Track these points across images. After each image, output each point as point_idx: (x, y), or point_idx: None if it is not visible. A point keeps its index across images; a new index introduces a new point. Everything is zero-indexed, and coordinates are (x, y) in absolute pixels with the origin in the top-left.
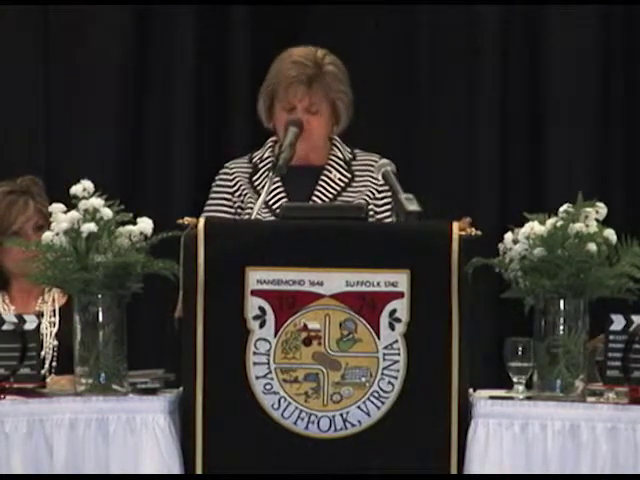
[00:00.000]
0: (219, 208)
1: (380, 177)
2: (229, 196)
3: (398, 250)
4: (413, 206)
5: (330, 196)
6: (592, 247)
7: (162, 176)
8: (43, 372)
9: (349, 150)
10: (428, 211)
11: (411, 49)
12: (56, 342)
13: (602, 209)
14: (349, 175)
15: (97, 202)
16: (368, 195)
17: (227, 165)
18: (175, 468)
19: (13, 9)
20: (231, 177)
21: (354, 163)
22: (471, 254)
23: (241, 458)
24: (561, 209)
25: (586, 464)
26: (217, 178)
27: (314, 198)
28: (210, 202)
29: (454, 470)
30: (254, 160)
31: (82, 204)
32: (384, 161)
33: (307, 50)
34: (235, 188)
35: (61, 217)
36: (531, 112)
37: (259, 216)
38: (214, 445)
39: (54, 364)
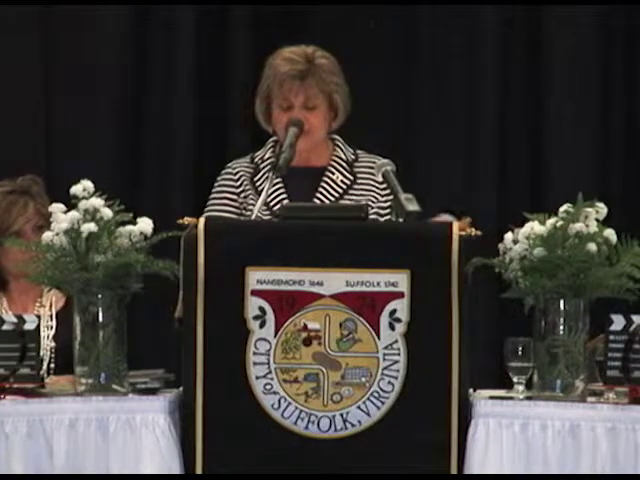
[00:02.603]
0: (224, 208)
1: (380, 177)
2: (235, 196)
3: (398, 250)
4: (413, 206)
5: (332, 198)
6: (592, 247)
7: (162, 176)
8: (41, 373)
9: (352, 151)
10: (428, 211)
11: (411, 49)
12: (53, 344)
13: (602, 209)
14: (351, 177)
15: (97, 202)
16: (371, 199)
17: (230, 165)
18: (175, 468)
19: (13, 9)
20: (236, 177)
21: (356, 165)
22: (471, 254)
23: (241, 458)
24: (561, 209)
25: (586, 464)
26: (220, 178)
27: (316, 200)
28: (213, 202)
29: (454, 470)
30: (255, 160)
31: (82, 204)
32: (384, 161)
33: (296, 48)
34: (241, 189)
35: (61, 217)
36: (531, 112)
37: (259, 217)
38: (214, 445)
39: (52, 366)
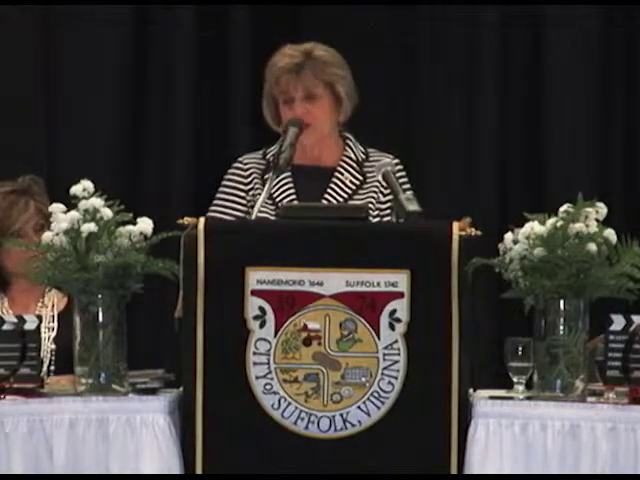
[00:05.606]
0: (232, 205)
1: (380, 177)
2: (243, 194)
3: (398, 250)
4: (413, 206)
5: (341, 200)
6: (592, 247)
7: (162, 176)
8: (41, 375)
9: (362, 150)
10: (428, 211)
11: (410, 49)
12: (54, 346)
13: (602, 209)
14: (361, 177)
15: (97, 202)
16: (374, 197)
17: (241, 160)
18: (175, 468)
19: (13, 9)
20: (246, 173)
21: (366, 164)
22: (471, 254)
23: (241, 458)
24: (561, 209)
25: (586, 464)
26: (230, 172)
27: (324, 201)
28: (222, 197)
29: (454, 470)
30: (267, 156)
31: (82, 204)
32: (384, 161)
33: (296, 45)
34: (250, 186)
35: (61, 217)
36: (531, 112)
37: (265, 214)
38: (214, 445)
39: (52, 367)
